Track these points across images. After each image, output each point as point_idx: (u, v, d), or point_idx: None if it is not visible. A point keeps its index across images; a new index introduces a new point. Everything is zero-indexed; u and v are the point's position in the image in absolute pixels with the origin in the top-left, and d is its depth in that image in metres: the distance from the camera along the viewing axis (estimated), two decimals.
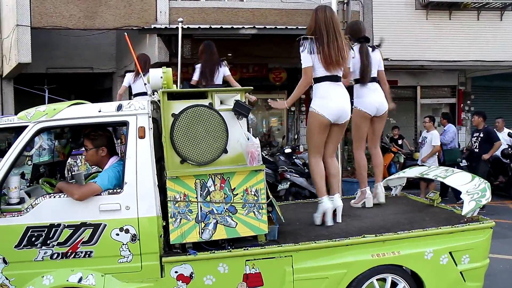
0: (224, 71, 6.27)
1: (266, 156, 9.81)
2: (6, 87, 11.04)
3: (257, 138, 3.45)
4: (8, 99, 10.93)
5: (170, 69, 3.52)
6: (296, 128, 12.63)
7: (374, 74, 4.68)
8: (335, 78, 3.99)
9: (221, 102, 3.44)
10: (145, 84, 3.87)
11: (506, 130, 10.07)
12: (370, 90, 4.64)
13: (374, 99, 4.64)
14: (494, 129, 8.84)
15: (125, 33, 4.02)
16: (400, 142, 11.17)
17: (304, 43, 3.92)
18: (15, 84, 11.16)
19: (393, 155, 10.34)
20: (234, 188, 3.35)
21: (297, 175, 8.50)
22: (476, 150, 8.74)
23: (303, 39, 3.94)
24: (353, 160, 9.31)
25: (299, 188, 8.51)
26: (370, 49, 4.65)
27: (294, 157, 9.20)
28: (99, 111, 3.37)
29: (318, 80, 4.00)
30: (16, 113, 9.95)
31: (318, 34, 3.91)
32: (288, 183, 8.59)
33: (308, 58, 3.92)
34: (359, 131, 4.79)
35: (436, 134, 9.06)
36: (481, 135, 8.72)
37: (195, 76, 6.12)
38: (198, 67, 6.19)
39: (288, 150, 9.36)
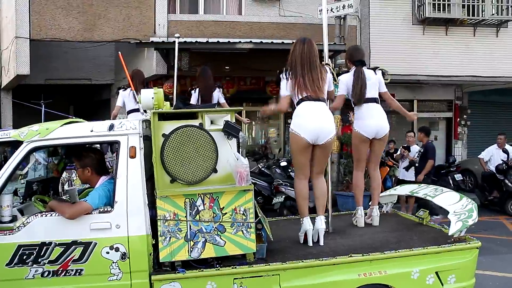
0: (218, 96, 6.61)
1: (263, 169, 9.87)
2: (5, 98, 11.14)
3: (246, 158, 3.50)
4: (6, 110, 11.03)
5: (161, 90, 3.59)
6: None
7: (373, 95, 4.66)
8: (314, 99, 4.04)
9: (212, 122, 3.50)
10: (137, 102, 3.94)
11: (507, 147, 10.13)
12: (370, 112, 4.66)
13: (374, 122, 4.66)
14: (434, 147, 8.88)
15: (119, 52, 4.09)
16: (395, 156, 11.20)
17: (282, 76, 4.12)
18: (14, 94, 11.26)
19: (388, 169, 10.39)
20: (223, 207, 3.40)
21: (292, 189, 8.52)
22: (417, 164, 8.88)
23: (279, 73, 4.13)
24: (349, 174, 9.41)
25: (294, 201, 8.51)
26: (369, 71, 4.69)
27: (290, 170, 9.25)
28: (91, 131, 3.43)
29: (298, 102, 4.10)
30: (14, 124, 10.02)
31: (294, 66, 4.08)
32: (283, 196, 8.65)
33: (286, 88, 4.09)
34: (357, 153, 4.85)
35: (417, 148, 9.24)
36: (422, 150, 8.86)
37: (193, 100, 6.49)
38: (194, 93, 6.58)
39: (284, 163, 9.42)
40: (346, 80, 4.68)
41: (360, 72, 4.64)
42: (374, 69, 4.81)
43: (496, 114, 14.64)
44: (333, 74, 4.24)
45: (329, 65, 4.23)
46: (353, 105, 4.80)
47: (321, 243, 3.97)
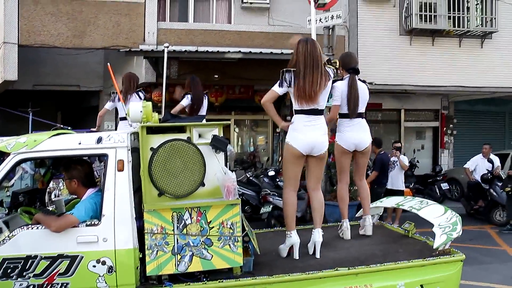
0: (206, 104, 7.00)
1: (251, 178, 9.88)
2: None
3: (235, 167, 3.52)
4: None
5: (150, 103, 3.60)
6: (281, 149, 12.76)
7: (361, 109, 4.68)
8: (312, 112, 4.03)
9: (199, 136, 3.51)
10: (126, 114, 3.94)
11: (492, 156, 10.29)
12: (352, 126, 4.68)
13: (354, 135, 4.68)
14: (382, 159, 8.99)
15: (108, 64, 4.10)
16: None
17: (285, 75, 3.98)
18: (1, 100, 11.15)
19: None
20: (210, 221, 3.41)
21: (280, 199, 8.55)
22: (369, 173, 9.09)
23: (286, 72, 3.99)
24: (336, 184, 9.48)
25: (282, 211, 8.55)
26: (361, 83, 4.68)
27: (278, 179, 9.27)
28: (79, 143, 3.43)
29: (295, 112, 4.08)
30: (1, 130, 9.82)
31: (297, 67, 3.99)
32: (271, 206, 8.65)
33: (280, 88, 4.00)
34: (339, 165, 4.87)
35: (404, 157, 9.56)
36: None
37: (184, 103, 6.75)
38: (187, 97, 6.84)
39: (272, 173, 9.43)
40: (341, 88, 4.65)
41: (354, 81, 4.64)
42: (364, 81, 4.82)
43: (482, 123, 14.85)
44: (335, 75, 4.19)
45: (331, 67, 4.17)
46: (338, 117, 4.82)
47: (318, 255, 4.00)
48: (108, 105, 6.49)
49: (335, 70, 4.24)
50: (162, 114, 6.48)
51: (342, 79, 4.75)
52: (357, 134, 4.70)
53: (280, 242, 4.29)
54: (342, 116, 4.74)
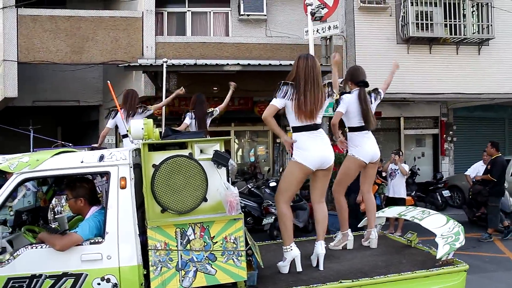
0: (211, 115, 7.26)
1: (252, 189, 9.89)
2: None
3: (235, 184, 3.54)
4: None
5: (151, 120, 3.63)
6: (282, 159, 12.78)
7: None
8: (312, 127, 4.03)
9: (201, 152, 3.54)
10: (127, 131, 3.96)
11: None
12: (366, 138, 4.73)
13: (370, 147, 4.73)
14: None
15: (108, 81, 4.14)
16: (384, 174, 11.30)
17: (282, 88, 3.97)
18: (1, 116, 11.19)
19: (377, 186, 10.47)
20: (214, 236, 3.43)
21: None
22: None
23: (283, 84, 3.98)
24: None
25: None
26: (368, 96, 4.72)
27: None
28: (82, 162, 3.45)
29: (295, 129, 4.05)
30: (1, 146, 9.81)
31: (297, 82, 3.98)
32: (273, 217, 8.64)
33: (279, 102, 3.97)
34: (348, 177, 4.85)
35: (405, 165, 9.56)
36: None
37: (187, 121, 6.88)
38: (189, 115, 6.94)
39: (273, 184, 9.44)
40: (349, 101, 4.67)
41: (366, 94, 4.67)
42: (370, 93, 4.84)
43: (481, 129, 14.87)
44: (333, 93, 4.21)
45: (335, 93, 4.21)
46: (347, 130, 4.84)
47: (321, 267, 4.01)
48: (110, 124, 6.49)
49: (336, 95, 4.28)
50: (162, 127, 6.53)
51: (349, 93, 4.77)
52: (374, 146, 4.77)
53: (283, 256, 4.28)
54: (355, 129, 4.75)
